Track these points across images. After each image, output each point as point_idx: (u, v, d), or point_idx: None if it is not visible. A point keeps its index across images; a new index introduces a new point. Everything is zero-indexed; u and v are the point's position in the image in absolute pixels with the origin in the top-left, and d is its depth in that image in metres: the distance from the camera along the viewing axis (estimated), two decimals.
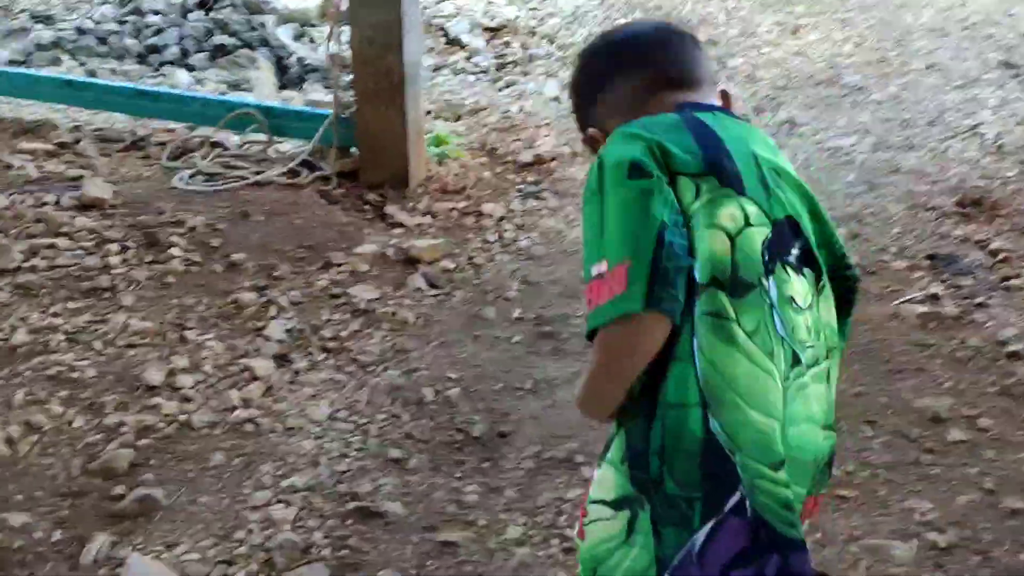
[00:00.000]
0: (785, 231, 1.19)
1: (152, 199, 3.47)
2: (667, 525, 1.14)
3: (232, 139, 4.01)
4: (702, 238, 1.13)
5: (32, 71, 4.57)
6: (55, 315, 2.73)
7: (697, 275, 1.12)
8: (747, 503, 1.10)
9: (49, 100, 4.23)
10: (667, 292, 1.10)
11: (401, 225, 3.50)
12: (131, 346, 2.60)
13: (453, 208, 3.63)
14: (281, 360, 2.61)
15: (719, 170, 1.17)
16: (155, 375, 2.45)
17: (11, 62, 4.88)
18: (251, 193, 3.55)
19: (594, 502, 1.23)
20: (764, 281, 1.14)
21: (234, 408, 2.38)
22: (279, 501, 2.10)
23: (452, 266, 3.18)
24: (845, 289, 1.30)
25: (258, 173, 3.69)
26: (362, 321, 2.85)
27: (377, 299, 2.96)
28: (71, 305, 2.79)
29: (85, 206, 3.36)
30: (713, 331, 1.11)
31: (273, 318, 2.78)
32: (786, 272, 1.17)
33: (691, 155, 1.17)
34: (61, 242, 3.09)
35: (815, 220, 1.25)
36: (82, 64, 4.98)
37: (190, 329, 2.71)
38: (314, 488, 2.15)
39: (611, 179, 1.16)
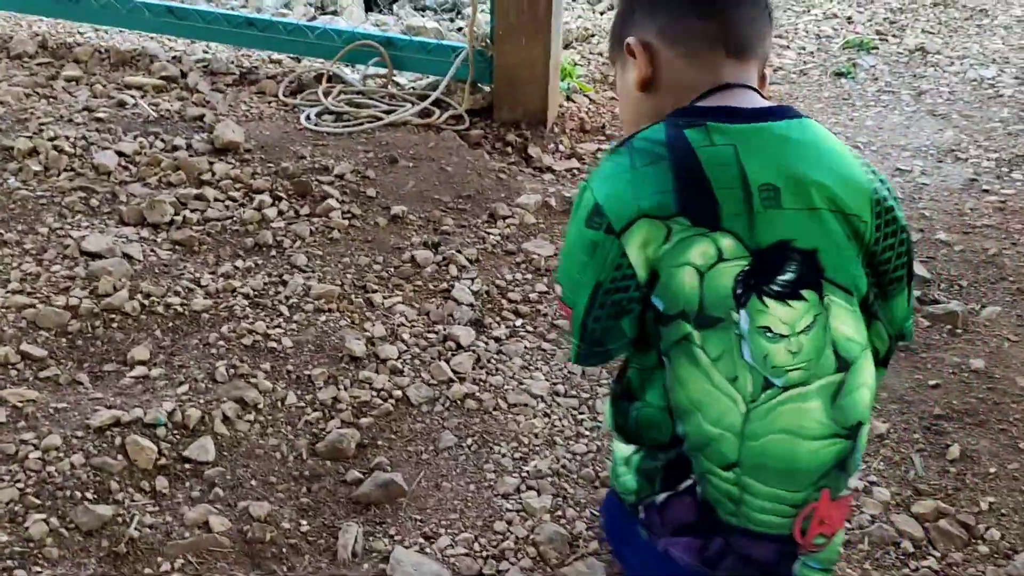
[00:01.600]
0: (772, 258, 1.20)
1: (285, 142, 3.26)
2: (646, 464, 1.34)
3: (347, 72, 3.79)
4: (671, 275, 1.20)
5: None
6: (227, 276, 2.56)
7: (663, 309, 1.22)
8: (697, 488, 1.27)
9: (148, 29, 3.96)
10: (593, 351, 1.28)
11: (550, 170, 3.31)
12: (319, 311, 2.45)
13: (599, 149, 3.45)
14: (478, 327, 2.50)
15: (692, 210, 1.19)
16: (356, 345, 2.32)
17: None
18: (388, 134, 3.34)
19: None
20: (734, 314, 1.20)
21: (450, 382, 2.26)
22: (528, 488, 2.01)
23: None
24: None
25: (388, 112, 3.51)
26: (547, 281, 2.72)
27: (555, 255, 2.83)
28: (240, 264, 2.63)
29: (219, 150, 3.16)
30: (680, 353, 1.22)
31: (456, 279, 2.64)
32: (762, 303, 1.20)
33: (664, 195, 1.19)
34: (208, 192, 2.92)
35: (855, 239, 1.25)
36: None
37: (374, 292, 2.55)
38: (559, 473, 2.05)
39: (576, 214, 1.25)
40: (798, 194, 1.20)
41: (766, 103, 1.28)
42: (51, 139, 3.14)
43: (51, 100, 3.50)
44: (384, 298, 2.53)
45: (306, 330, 2.40)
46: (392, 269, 2.66)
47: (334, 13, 4.74)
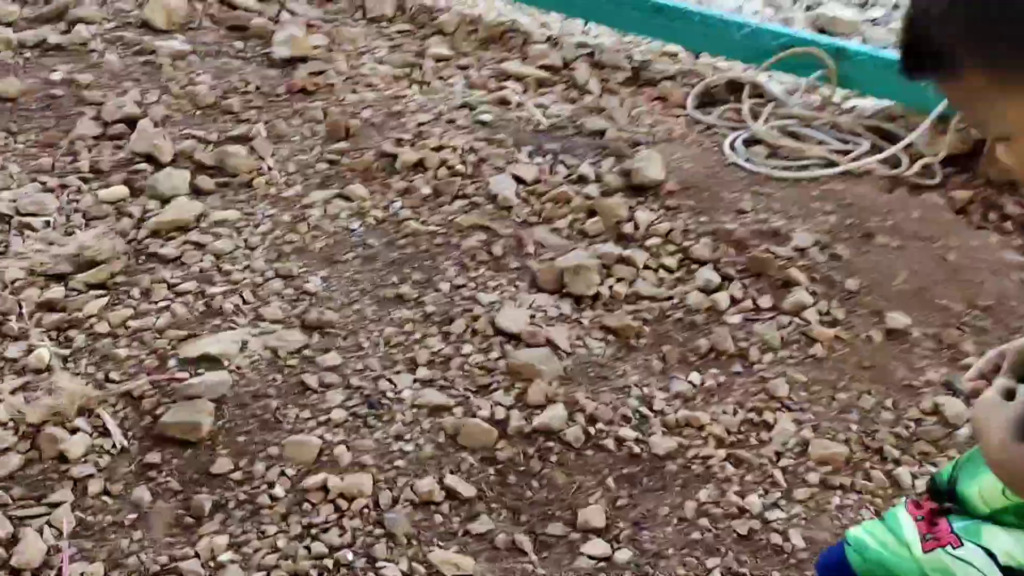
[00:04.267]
0: None
1: (713, 182, 2.58)
2: None
3: (766, 81, 2.91)
4: None
5: None
6: (684, 398, 1.90)
7: None
8: None
9: (536, 3, 3.37)
10: None
11: None
12: (826, 486, 1.72)
13: None
14: None
15: None
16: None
17: None
18: (846, 186, 2.59)
19: None
20: None
21: None
22: None
23: None
24: None
25: (841, 152, 2.73)
26: None
27: None
28: (695, 379, 1.95)
29: (635, 188, 2.54)
30: None
31: None
32: None
33: None
34: (635, 254, 2.28)
35: None
36: None
37: (895, 462, 1.79)
38: None
39: None
40: None
41: None
42: (436, 149, 2.63)
43: (423, 87, 2.99)
44: (913, 473, 1.84)
45: (816, 518, 1.75)
46: (911, 424, 1.94)
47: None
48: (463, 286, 2.17)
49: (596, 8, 3.15)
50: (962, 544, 1.05)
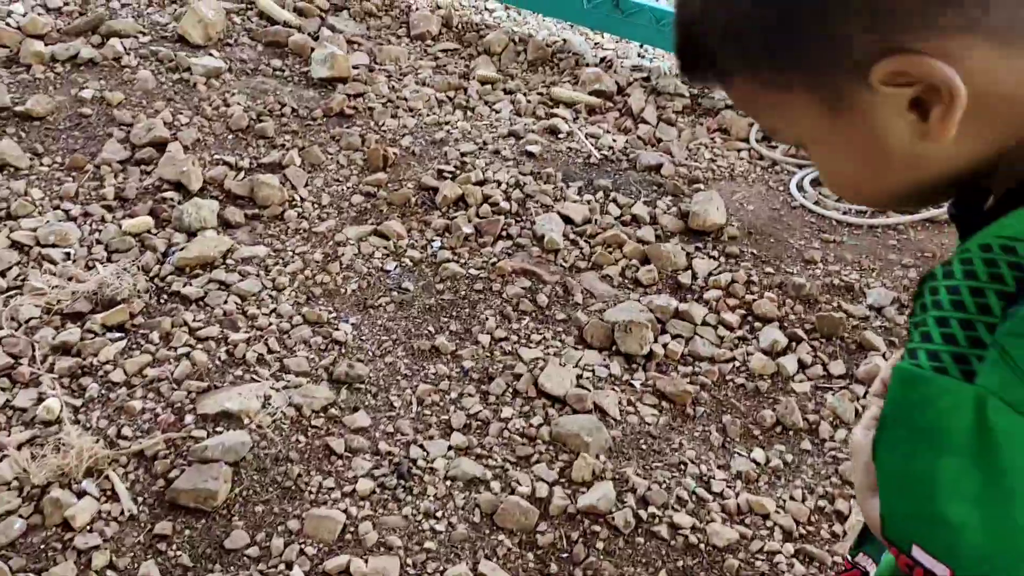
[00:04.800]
0: None
1: (779, 228, 2.36)
2: None
3: None
4: None
5: None
6: (749, 483, 1.72)
7: None
8: None
9: (583, 22, 3.13)
10: None
11: None
12: None
13: None
14: None
15: None
16: None
17: None
18: (926, 237, 2.36)
19: None
20: None
21: None
22: None
23: None
24: None
25: None
26: None
27: None
28: (759, 457, 1.75)
29: (694, 231, 2.36)
30: None
31: None
32: None
33: None
34: (693, 308, 2.09)
35: None
36: None
37: None
38: None
39: None
40: None
41: None
42: (479, 183, 2.46)
43: (468, 113, 2.83)
44: None
45: None
46: None
47: None
48: (504, 339, 2.01)
49: (657, 34, 2.96)
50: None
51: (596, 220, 2.32)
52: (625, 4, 2.87)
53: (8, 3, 3.17)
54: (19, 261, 2.16)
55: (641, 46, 3.15)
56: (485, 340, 2.00)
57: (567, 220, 2.31)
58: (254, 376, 1.90)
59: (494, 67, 3.02)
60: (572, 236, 2.27)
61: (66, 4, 3.13)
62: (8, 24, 2.96)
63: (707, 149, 2.66)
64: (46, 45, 2.93)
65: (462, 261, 2.20)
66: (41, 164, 2.49)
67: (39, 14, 3.08)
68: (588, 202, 2.38)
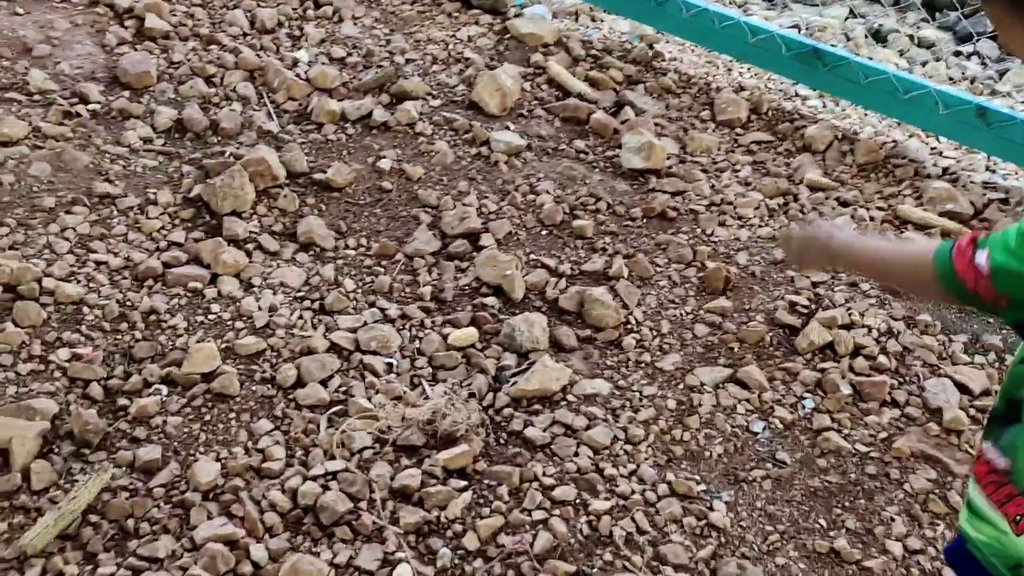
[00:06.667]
0: None
1: None
2: None
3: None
4: None
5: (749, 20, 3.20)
6: None
7: None
8: None
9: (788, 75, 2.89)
10: None
11: None
12: None
13: None
14: None
15: None
16: None
17: None
18: None
19: None
20: None
21: None
22: None
23: None
24: None
25: None
26: None
27: None
28: None
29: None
30: None
31: None
32: None
33: None
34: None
35: None
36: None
37: None
38: None
39: None
40: None
41: None
42: (846, 327, 2.06)
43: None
44: None
45: None
46: None
47: None
48: (920, 551, 1.66)
49: (1013, 149, 2.54)
50: None
51: (996, 391, 1.95)
52: (994, 115, 2.48)
53: (291, 48, 3.03)
54: (340, 368, 1.95)
55: (988, 158, 2.75)
56: (896, 549, 1.65)
57: (962, 389, 1.94)
58: (627, 565, 1.61)
59: (819, 169, 2.68)
60: (973, 413, 1.90)
61: (349, 55, 2.97)
62: (299, 76, 2.80)
63: None
64: (337, 101, 2.76)
65: (844, 432, 1.87)
66: (347, 247, 2.29)
67: (323, 64, 2.92)
68: (982, 364, 2.01)
